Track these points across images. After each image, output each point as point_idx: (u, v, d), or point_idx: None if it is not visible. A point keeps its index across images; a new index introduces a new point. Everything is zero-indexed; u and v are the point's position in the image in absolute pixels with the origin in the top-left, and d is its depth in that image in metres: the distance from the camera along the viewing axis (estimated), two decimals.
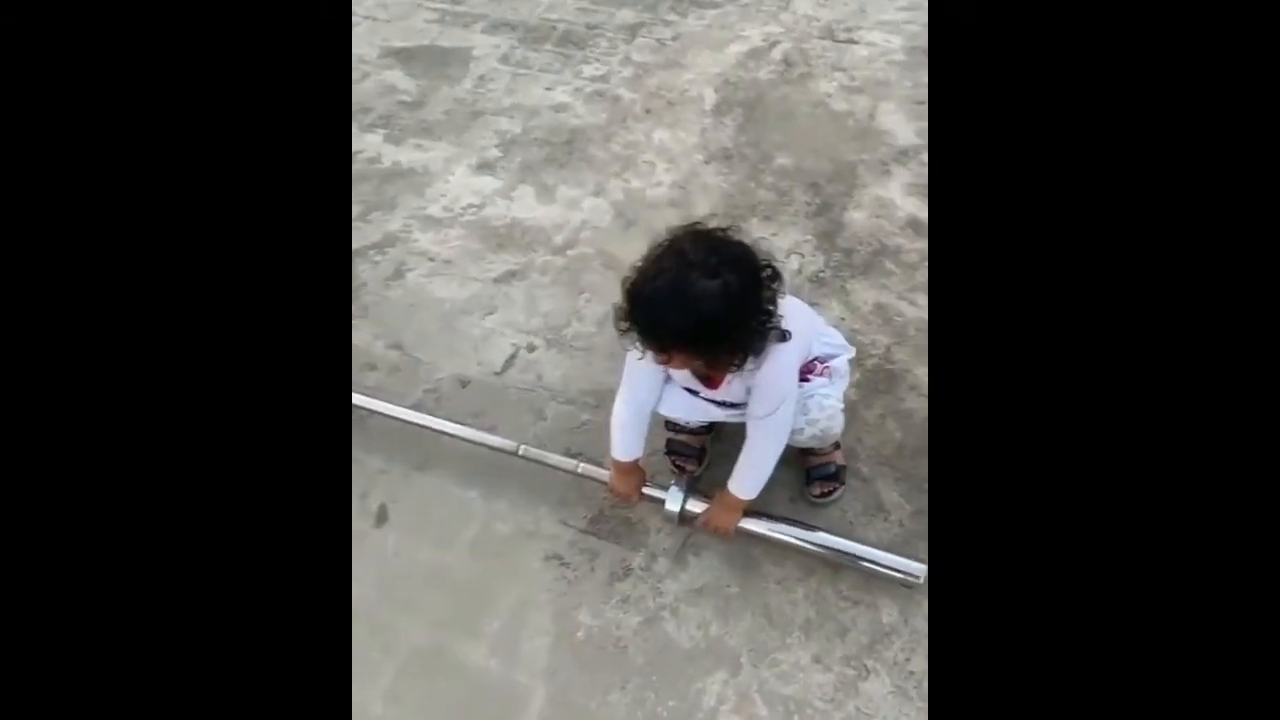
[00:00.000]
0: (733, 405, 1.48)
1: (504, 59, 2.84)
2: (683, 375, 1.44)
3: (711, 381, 1.43)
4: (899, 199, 2.21)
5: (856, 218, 2.17)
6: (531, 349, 1.97)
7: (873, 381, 1.81)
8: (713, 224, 1.29)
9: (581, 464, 1.63)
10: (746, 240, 1.27)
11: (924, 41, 2.71)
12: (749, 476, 1.48)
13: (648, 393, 1.49)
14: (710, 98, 2.60)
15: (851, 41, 2.74)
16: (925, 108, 2.47)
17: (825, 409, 1.49)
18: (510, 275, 2.14)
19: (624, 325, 1.25)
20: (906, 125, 2.42)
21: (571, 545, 1.61)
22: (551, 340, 1.98)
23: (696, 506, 1.54)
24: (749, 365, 1.29)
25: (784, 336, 1.30)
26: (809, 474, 1.64)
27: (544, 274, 2.13)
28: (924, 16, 2.76)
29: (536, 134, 2.54)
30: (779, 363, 1.34)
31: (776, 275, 1.27)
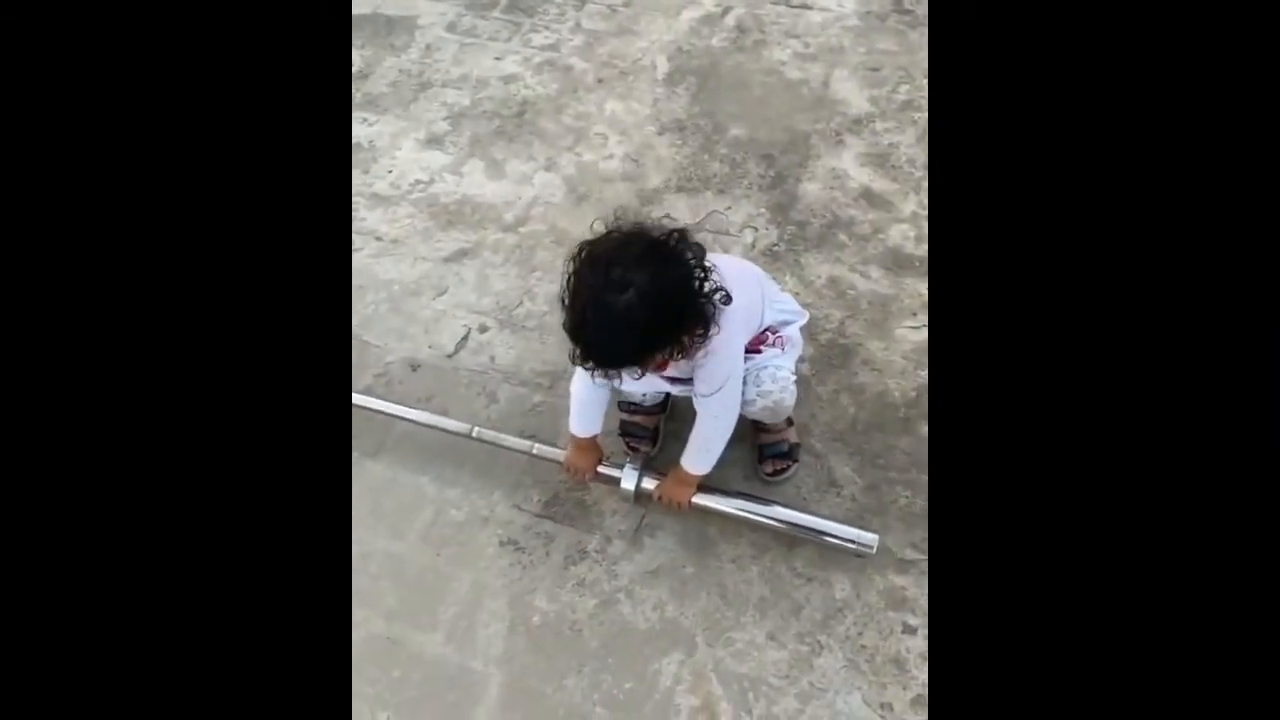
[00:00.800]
0: (684, 381, 1.47)
1: (450, 27, 2.75)
2: None
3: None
4: (852, 170, 2.20)
5: (810, 189, 2.16)
6: (483, 330, 1.94)
7: (826, 356, 1.81)
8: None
9: (536, 445, 1.62)
10: (645, 217, 1.25)
11: (877, 6, 2.68)
12: (700, 454, 1.48)
13: None
14: (663, 66, 2.55)
15: (805, 7, 2.70)
16: (878, 75, 2.45)
17: (778, 380, 1.48)
18: (461, 254, 2.09)
19: (588, 366, 1.25)
20: (859, 93, 2.40)
21: (526, 530, 1.60)
22: (504, 321, 1.95)
23: (651, 484, 1.53)
24: (711, 331, 1.28)
25: (727, 299, 1.29)
26: (761, 451, 1.64)
27: (495, 252, 2.09)
28: None
29: (486, 106, 2.47)
30: (722, 340, 1.33)
31: (683, 236, 1.25)
